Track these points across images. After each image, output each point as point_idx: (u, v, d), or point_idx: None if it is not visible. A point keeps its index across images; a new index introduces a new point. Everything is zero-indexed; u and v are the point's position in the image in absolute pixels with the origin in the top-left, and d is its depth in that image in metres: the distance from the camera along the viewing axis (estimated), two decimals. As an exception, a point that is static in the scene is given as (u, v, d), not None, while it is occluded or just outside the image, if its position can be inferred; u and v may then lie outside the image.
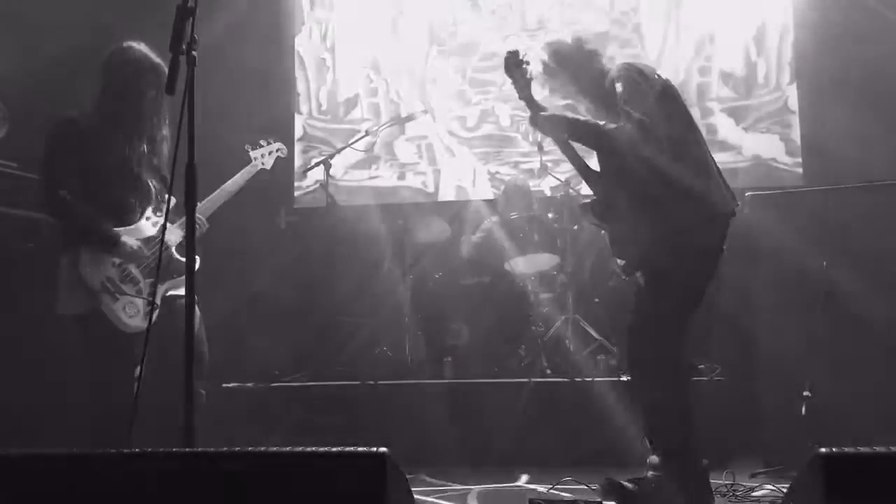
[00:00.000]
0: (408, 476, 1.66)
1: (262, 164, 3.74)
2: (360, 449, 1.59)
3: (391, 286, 5.58)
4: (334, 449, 1.61)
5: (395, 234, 5.68)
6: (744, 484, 3.52)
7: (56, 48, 4.84)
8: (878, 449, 1.51)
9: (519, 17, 6.32)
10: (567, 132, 3.25)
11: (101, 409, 3.17)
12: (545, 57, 3.28)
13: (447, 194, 6.32)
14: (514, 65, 3.28)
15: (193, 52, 2.40)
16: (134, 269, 3.24)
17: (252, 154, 3.74)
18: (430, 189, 6.34)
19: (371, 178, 6.39)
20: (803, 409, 3.64)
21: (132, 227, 3.30)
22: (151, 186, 3.38)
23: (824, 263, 3.84)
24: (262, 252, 5.80)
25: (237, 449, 1.67)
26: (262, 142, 3.78)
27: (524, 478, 4.00)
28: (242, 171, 3.68)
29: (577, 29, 3.41)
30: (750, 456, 4.03)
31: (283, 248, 5.94)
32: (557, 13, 6.26)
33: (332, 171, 5.51)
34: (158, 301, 3.23)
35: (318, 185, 5.96)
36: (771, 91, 5.89)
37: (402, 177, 6.36)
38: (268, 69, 6.23)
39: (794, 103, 5.83)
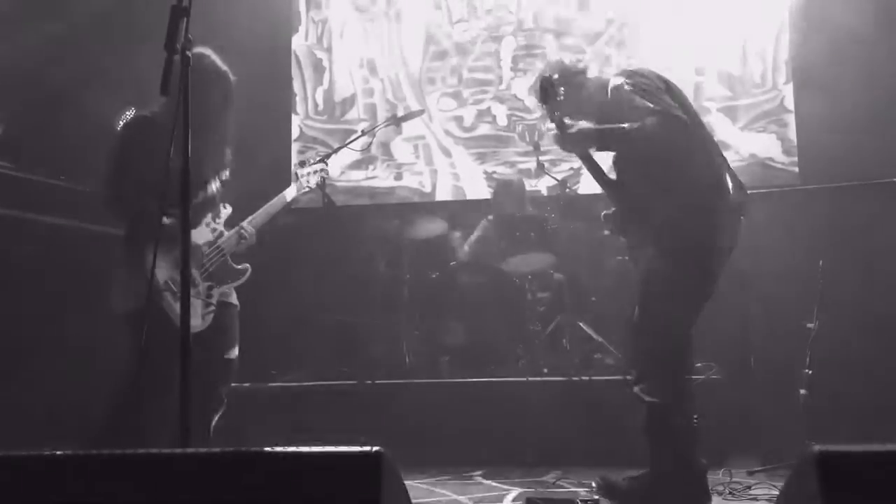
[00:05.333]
0: (403, 475, 1.65)
1: (307, 182, 3.77)
2: (355, 448, 1.58)
3: (388, 285, 5.58)
4: (329, 447, 1.60)
5: (392, 234, 5.68)
6: (741, 481, 3.52)
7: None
8: (874, 446, 1.51)
9: (514, 17, 6.33)
10: (595, 144, 3.22)
11: (149, 407, 3.12)
12: (536, 90, 3.26)
13: (444, 194, 6.32)
14: (548, 89, 3.20)
15: (188, 53, 2.39)
16: (194, 271, 3.20)
17: (299, 172, 3.76)
18: (427, 189, 6.34)
19: (368, 178, 6.39)
20: (800, 407, 3.64)
21: (194, 230, 3.24)
22: (215, 191, 3.37)
23: (820, 262, 3.85)
24: (258, 253, 5.78)
25: (231, 448, 1.67)
26: (309, 160, 3.82)
27: (521, 476, 4.01)
28: (287, 189, 3.70)
29: (555, 58, 3.39)
30: (747, 454, 4.04)
31: (279, 248, 5.92)
32: (553, 14, 6.27)
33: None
34: (214, 302, 3.23)
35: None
36: (767, 90, 5.90)
37: (398, 177, 6.37)
38: (264, 69, 6.22)
39: (790, 103, 5.84)
